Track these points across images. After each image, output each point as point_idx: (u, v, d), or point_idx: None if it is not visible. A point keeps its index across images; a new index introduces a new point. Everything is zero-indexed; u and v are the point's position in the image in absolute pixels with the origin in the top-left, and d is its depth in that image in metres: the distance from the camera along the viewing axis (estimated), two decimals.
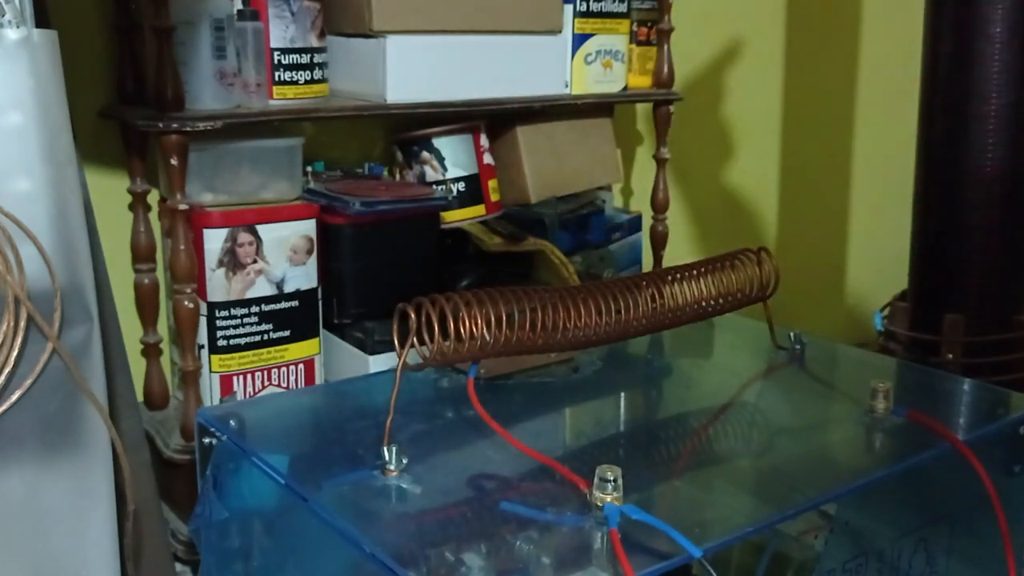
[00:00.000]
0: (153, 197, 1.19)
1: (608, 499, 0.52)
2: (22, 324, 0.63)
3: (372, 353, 1.12)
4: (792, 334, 0.79)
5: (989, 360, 1.38)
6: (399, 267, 1.16)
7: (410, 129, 1.26)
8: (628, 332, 0.67)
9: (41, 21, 0.67)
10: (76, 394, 0.66)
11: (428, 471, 0.58)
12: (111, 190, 1.17)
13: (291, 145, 1.13)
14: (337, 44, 1.17)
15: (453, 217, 1.25)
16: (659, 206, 1.45)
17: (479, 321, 0.58)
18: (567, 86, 1.30)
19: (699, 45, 1.61)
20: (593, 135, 1.41)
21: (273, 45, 1.08)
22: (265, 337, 1.11)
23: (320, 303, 1.15)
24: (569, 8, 1.28)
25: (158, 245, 1.19)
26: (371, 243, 1.15)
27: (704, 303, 0.71)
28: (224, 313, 1.09)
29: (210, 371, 1.10)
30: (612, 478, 0.52)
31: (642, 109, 1.59)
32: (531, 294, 0.61)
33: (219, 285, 1.08)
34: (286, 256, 1.11)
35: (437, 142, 1.25)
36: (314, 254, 1.12)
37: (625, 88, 1.37)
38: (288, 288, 1.12)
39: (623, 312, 0.65)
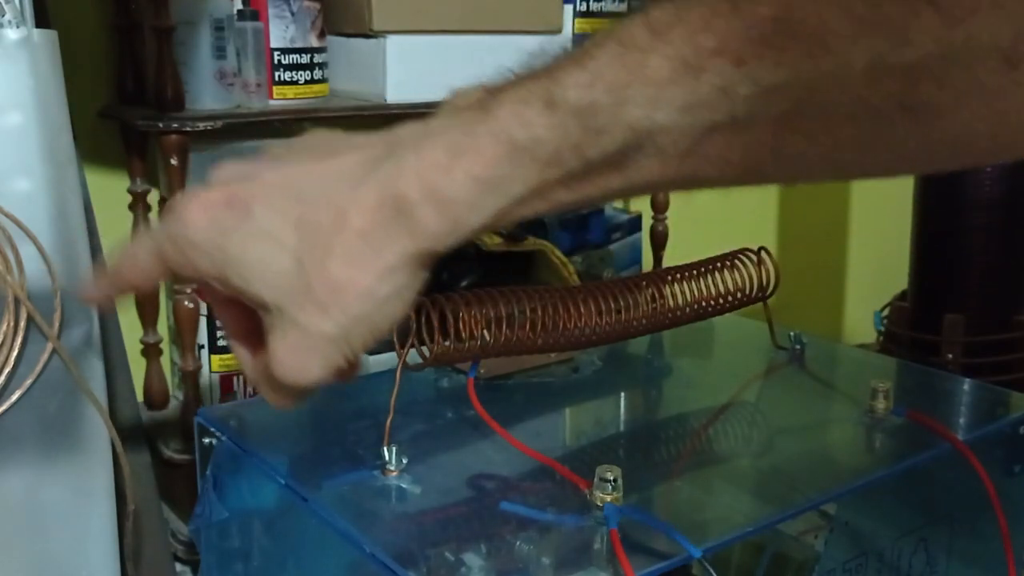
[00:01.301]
0: (153, 197, 1.19)
1: (608, 499, 0.52)
2: (22, 324, 0.63)
3: (372, 353, 1.12)
4: (792, 334, 0.79)
5: (989, 360, 1.38)
6: None
7: None
8: (628, 332, 0.67)
9: (41, 21, 0.67)
10: (76, 394, 0.66)
11: (428, 471, 0.58)
12: (111, 190, 1.17)
13: None
14: (337, 44, 1.17)
15: None
16: (659, 206, 1.45)
17: (479, 321, 0.58)
18: None
19: None
20: None
21: (273, 45, 1.08)
22: None
23: None
24: (569, 8, 1.28)
25: None
26: None
27: (704, 303, 0.71)
28: None
29: (210, 371, 1.10)
30: (612, 478, 0.52)
31: None
32: (531, 294, 0.61)
33: None
34: None
35: None
36: None
37: None
38: None
39: (623, 312, 0.65)
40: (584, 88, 0.36)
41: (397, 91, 1.14)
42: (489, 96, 0.40)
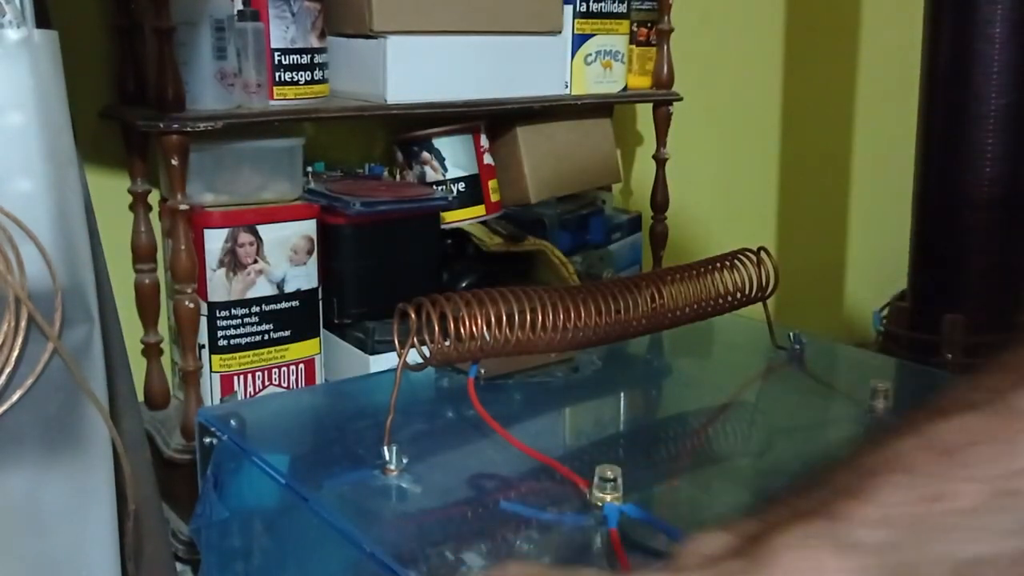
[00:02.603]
0: (154, 197, 1.19)
1: (608, 499, 0.52)
2: (23, 324, 0.63)
3: (372, 353, 1.12)
4: (792, 334, 0.79)
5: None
6: (399, 267, 1.16)
7: (410, 129, 1.26)
8: (628, 332, 0.67)
9: (42, 21, 0.67)
10: (77, 394, 0.66)
11: (428, 471, 0.58)
12: (112, 190, 1.17)
13: (291, 145, 1.13)
14: (337, 45, 1.17)
15: (453, 217, 1.25)
16: (659, 206, 1.45)
17: (479, 321, 0.58)
18: (567, 86, 1.30)
19: (699, 45, 1.61)
20: (593, 135, 1.41)
21: (274, 46, 1.08)
22: (266, 337, 1.11)
23: (320, 303, 1.15)
24: (569, 8, 1.28)
25: (159, 245, 1.19)
26: (371, 243, 1.15)
27: (704, 303, 0.71)
28: (225, 313, 1.09)
29: (211, 371, 1.10)
30: (612, 478, 0.52)
31: (642, 109, 1.59)
32: (531, 294, 0.61)
33: (220, 285, 1.08)
34: (287, 256, 1.11)
35: (437, 142, 1.25)
36: (314, 254, 1.13)
37: (625, 88, 1.37)
38: (288, 288, 1.12)
39: (623, 312, 0.65)
40: (877, 526, 0.33)
41: (397, 91, 1.14)
42: (750, 542, 0.36)
